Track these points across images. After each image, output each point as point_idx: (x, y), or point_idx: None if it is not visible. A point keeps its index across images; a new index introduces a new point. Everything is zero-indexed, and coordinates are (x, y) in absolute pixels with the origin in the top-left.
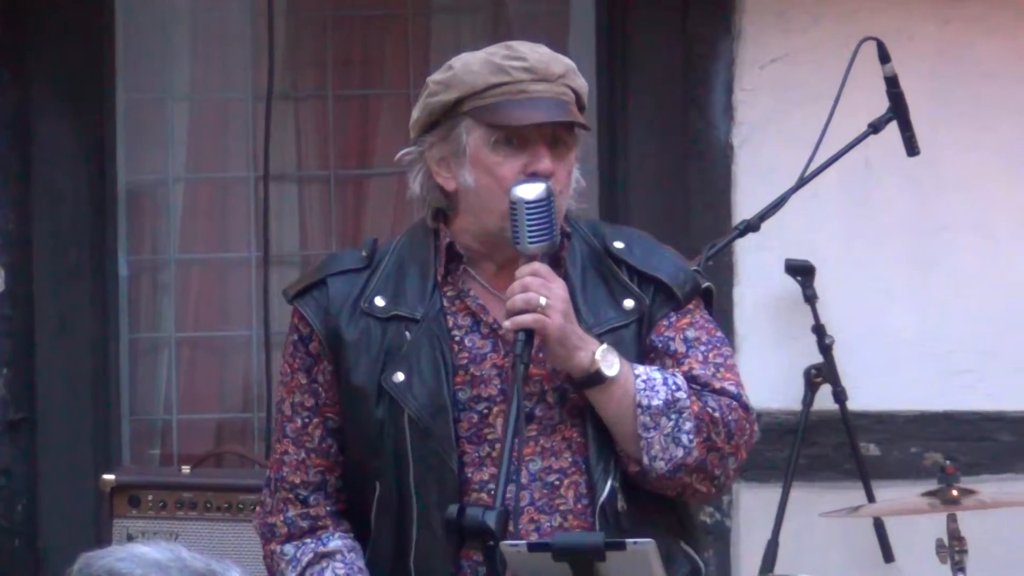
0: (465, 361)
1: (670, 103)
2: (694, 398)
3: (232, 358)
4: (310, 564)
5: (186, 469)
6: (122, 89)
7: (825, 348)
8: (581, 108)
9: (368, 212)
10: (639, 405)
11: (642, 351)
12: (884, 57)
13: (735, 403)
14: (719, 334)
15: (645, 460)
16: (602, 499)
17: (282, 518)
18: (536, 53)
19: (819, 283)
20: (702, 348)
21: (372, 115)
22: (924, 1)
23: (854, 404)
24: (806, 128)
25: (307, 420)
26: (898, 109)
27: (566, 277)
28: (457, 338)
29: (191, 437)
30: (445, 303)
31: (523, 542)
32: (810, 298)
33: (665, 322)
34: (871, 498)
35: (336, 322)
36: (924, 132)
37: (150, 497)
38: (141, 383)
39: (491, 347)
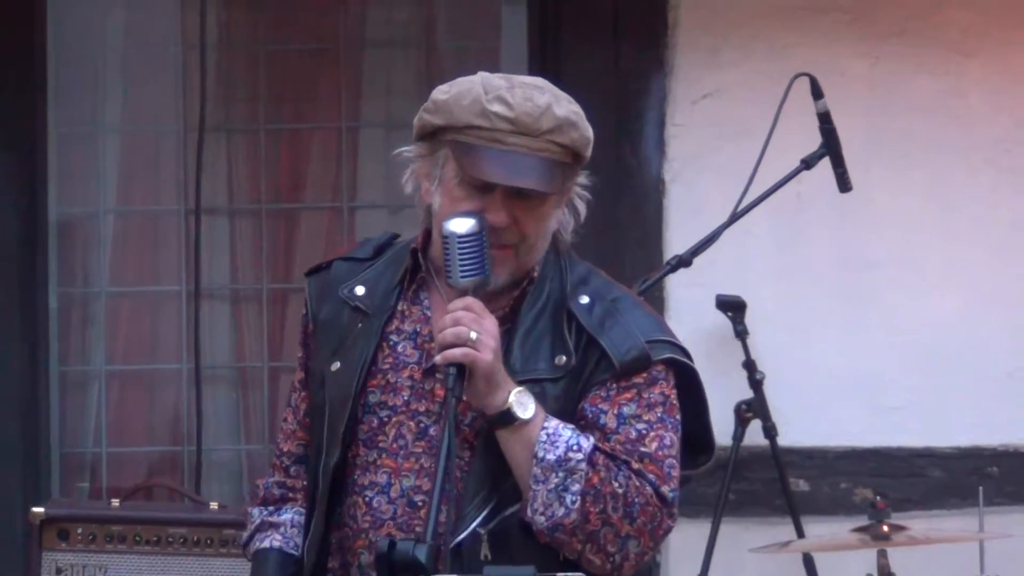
0: (387, 366)
1: (602, 138)
2: (599, 469)
3: (162, 391)
4: (258, 529)
5: (116, 502)
6: (53, 122)
7: (756, 384)
8: (578, 159)
9: (300, 245)
10: (535, 456)
11: (570, 411)
12: (817, 93)
13: (649, 489)
14: (663, 416)
15: (529, 512)
16: (459, 538)
17: (264, 482)
18: (528, 104)
19: (750, 319)
20: (637, 428)
21: (304, 148)
22: (855, 38)
23: (784, 440)
24: (738, 163)
25: (299, 392)
26: (830, 145)
27: (516, 320)
28: (392, 342)
29: (121, 470)
30: (402, 305)
31: None
32: (741, 334)
33: (603, 392)
34: (800, 534)
35: (323, 304)
36: (856, 169)
37: (79, 530)
38: (70, 416)
39: (416, 358)
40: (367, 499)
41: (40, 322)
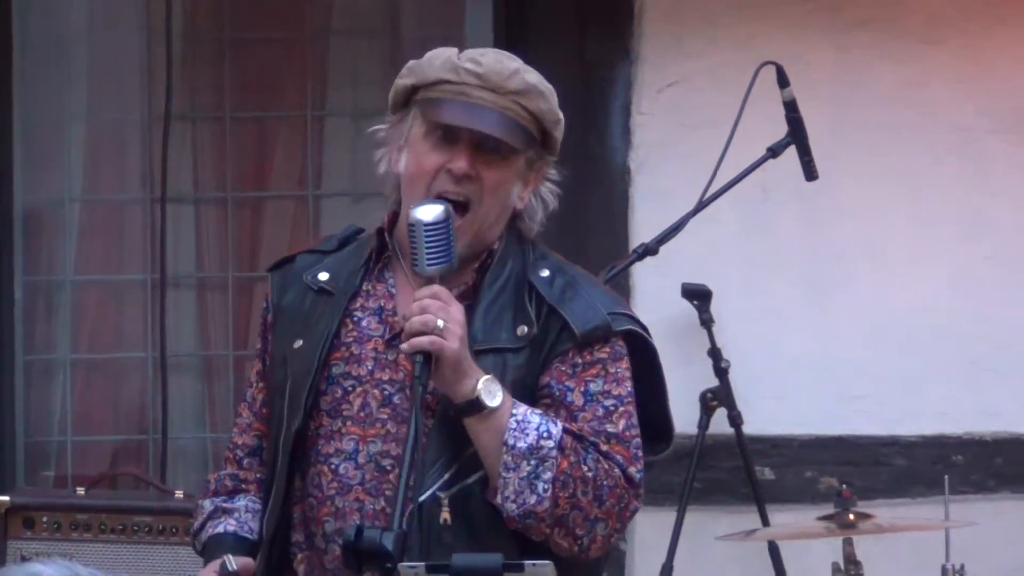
0: (351, 339)
1: (567, 127)
2: (568, 453)
3: (127, 380)
4: (211, 516)
5: (81, 491)
6: (19, 111)
7: (721, 372)
8: (544, 133)
9: (265, 233)
10: (505, 443)
11: (531, 382)
12: (783, 82)
13: (617, 471)
14: (631, 391)
15: (499, 498)
16: (421, 499)
17: (216, 475)
18: (498, 64)
19: (715, 307)
20: (605, 405)
21: (269, 137)
22: (821, 28)
23: (750, 428)
24: (703, 152)
25: (256, 385)
26: (797, 134)
27: (478, 294)
28: (356, 317)
29: (86, 459)
30: (367, 284)
31: (421, 564)
32: (706, 322)
33: (567, 367)
34: (766, 522)
35: (285, 295)
36: (821, 157)
37: (45, 519)
38: (36, 405)
39: (380, 332)
40: (332, 466)
41: (5, 311)
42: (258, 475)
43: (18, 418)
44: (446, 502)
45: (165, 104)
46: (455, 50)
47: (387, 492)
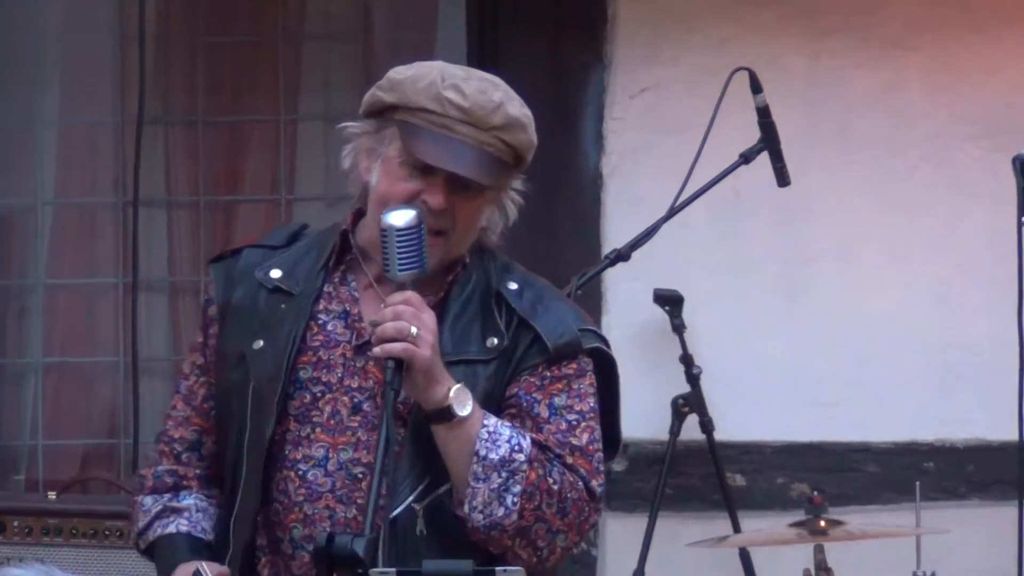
0: (318, 344)
1: (540, 131)
2: (536, 465)
3: (99, 384)
4: (158, 515)
5: (52, 495)
6: None
7: (692, 378)
8: (518, 161)
9: (238, 238)
10: (476, 454)
11: (499, 393)
12: (756, 87)
13: (581, 484)
14: (593, 407)
15: (466, 508)
16: (395, 513)
17: (153, 471)
18: (482, 97)
19: (687, 313)
20: (568, 419)
21: (242, 141)
22: (794, 34)
23: (721, 434)
24: (676, 158)
25: (197, 379)
26: (769, 140)
27: (445, 306)
28: (321, 321)
29: (57, 463)
30: (328, 287)
31: (392, 570)
32: (678, 328)
33: (535, 380)
34: (737, 528)
35: (233, 290)
36: (794, 164)
37: (16, 523)
38: (7, 408)
39: (348, 336)
40: (300, 472)
41: None
42: (198, 471)
43: None
44: (420, 513)
45: (138, 108)
46: (439, 70)
47: (359, 500)
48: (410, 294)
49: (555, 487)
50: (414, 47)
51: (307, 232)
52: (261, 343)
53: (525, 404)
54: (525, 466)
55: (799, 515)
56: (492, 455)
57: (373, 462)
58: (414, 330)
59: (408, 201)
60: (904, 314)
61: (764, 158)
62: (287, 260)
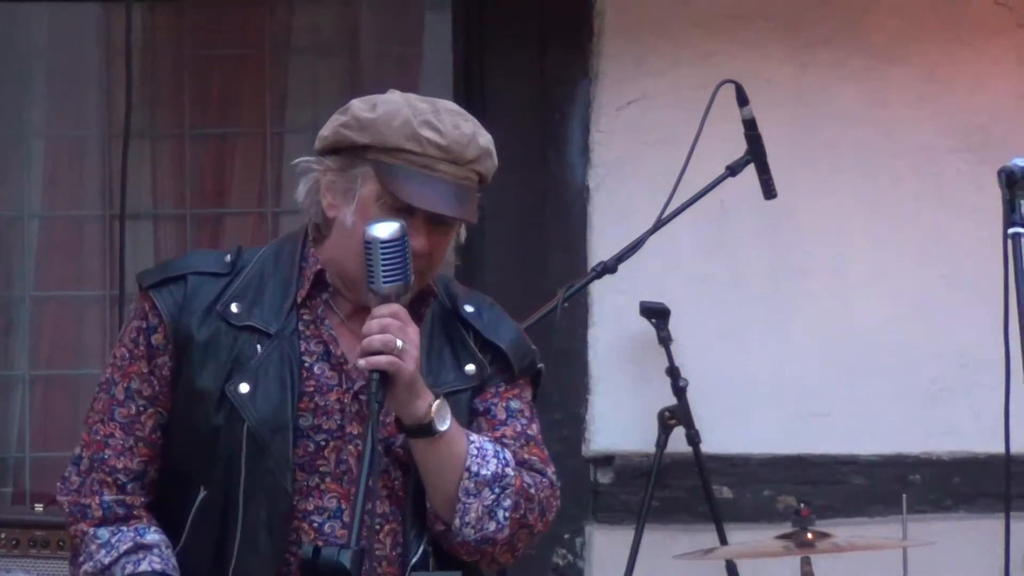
0: (311, 389)
1: (527, 144)
2: (518, 475)
3: (86, 396)
4: (127, 552)
5: (39, 507)
6: None
7: (679, 391)
8: (483, 182)
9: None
10: (467, 470)
11: (470, 416)
12: (742, 100)
13: (544, 479)
14: (535, 412)
15: (456, 523)
16: (413, 560)
17: (97, 500)
18: (457, 132)
19: (673, 326)
20: (521, 421)
21: (229, 154)
22: (781, 46)
23: (707, 447)
24: (662, 170)
25: (142, 408)
26: (756, 152)
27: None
28: (307, 364)
29: (44, 475)
30: (300, 326)
31: None
32: (664, 340)
33: (493, 389)
34: (724, 541)
35: (188, 321)
36: (780, 176)
37: (3, 535)
38: None
39: (338, 380)
40: (315, 524)
41: None
42: (143, 499)
43: None
44: (432, 554)
45: (125, 120)
46: (407, 106)
47: (378, 552)
48: (396, 307)
49: (532, 491)
50: (400, 60)
51: (246, 254)
52: (246, 387)
53: (482, 408)
54: (514, 480)
55: (786, 527)
56: (484, 471)
57: (388, 511)
58: (400, 343)
59: None
60: (890, 326)
61: (750, 170)
62: (243, 292)
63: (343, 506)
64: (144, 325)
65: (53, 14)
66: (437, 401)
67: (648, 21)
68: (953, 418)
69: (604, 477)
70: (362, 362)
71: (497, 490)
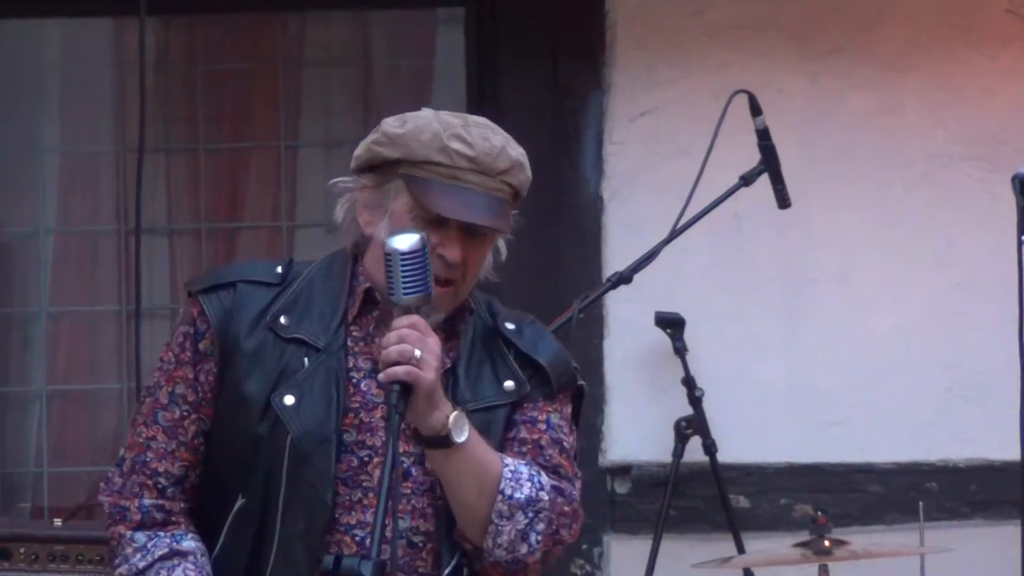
0: (357, 405)
1: (540, 156)
2: (553, 495)
3: (102, 410)
4: (163, 558)
5: (58, 522)
6: None
7: (695, 400)
8: (517, 198)
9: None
10: (501, 492)
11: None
12: (755, 110)
13: (574, 492)
14: (575, 432)
15: (488, 543)
16: (447, 570)
17: (137, 503)
18: (486, 144)
19: (689, 335)
20: (559, 433)
21: (242, 168)
22: (793, 55)
23: (724, 456)
24: (676, 181)
25: (186, 413)
26: (769, 162)
27: (458, 350)
28: (354, 380)
29: (62, 490)
30: (350, 342)
31: None
32: (680, 350)
33: (532, 405)
34: (741, 549)
35: (236, 329)
36: (794, 185)
37: (22, 550)
38: (11, 436)
39: (383, 398)
40: (357, 538)
41: None
42: (182, 505)
43: None
44: (466, 572)
45: (139, 136)
46: (436, 120)
47: (420, 569)
48: (416, 318)
49: (567, 508)
50: (412, 73)
51: (296, 267)
52: (292, 399)
53: (522, 419)
54: (548, 504)
55: (803, 536)
56: (518, 495)
57: (430, 530)
58: (418, 353)
59: None
60: (905, 334)
61: (764, 180)
62: (292, 304)
63: (385, 521)
64: (192, 331)
65: (66, 30)
66: (455, 412)
67: (660, 32)
68: (969, 425)
69: (621, 487)
70: (380, 375)
71: (531, 514)
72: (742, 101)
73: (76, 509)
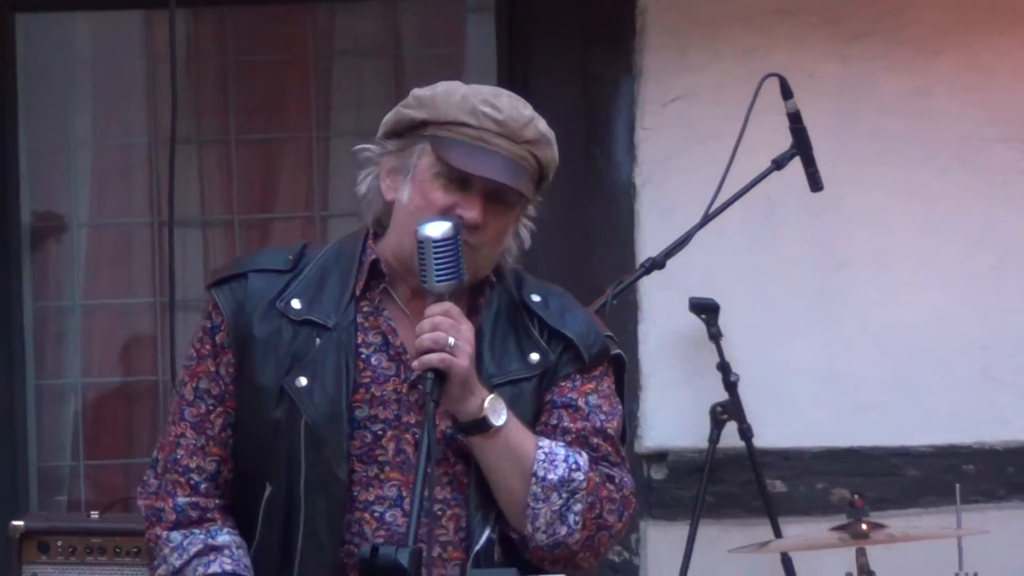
0: (368, 379)
1: (572, 142)
2: (592, 476)
3: (138, 403)
4: (198, 555)
5: (95, 514)
6: (25, 137)
7: (730, 385)
8: (543, 179)
9: None
10: (535, 475)
11: (539, 406)
12: (787, 93)
13: (626, 479)
14: (619, 407)
15: (528, 528)
16: (477, 547)
17: (171, 503)
18: (515, 111)
19: (723, 321)
20: (600, 417)
21: (275, 158)
22: (824, 38)
23: (760, 441)
24: (708, 165)
25: (211, 408)
26: (801, 145)
27: (480, 328)
28: (364, 355)
29: (98, 483)
30: (359, 318)
31: None
32: (715, 336)
33: (569, 384)
34: (778, 534)
35: (248, 318)
36: (826, 168)
37: (59, 543)
38: (47, 430)
39: (395, 370)
40: (376, 514)
41: (15, 337)
42: (217, 502)
43: (30, 443)
44: (497, 541)
45: (171, 128)
46: (466, 87)
47: (441, 538)
48: (448, 305)
49: (615, 494)
50: (443, 62)
51: (309, 252)
52: (304, 380)
53: (561, 402)
54: (585, 484)
55: (840, 519)
56: (551, 476)
57: (449, 497)
58: (451, 340)
59: (443, 213)
60: (940, 316)
61: (796, 164)
62: (304, 288)
63: (403, 494)
64: (209, 324)
65: (97, 24)
66: (491, 396)
67: (690, 17)
68: (1005, 408)
69: (658, 473)
70: (415, 363)
71: (565, 494)
72: (773, 85)
73: (113, 502)
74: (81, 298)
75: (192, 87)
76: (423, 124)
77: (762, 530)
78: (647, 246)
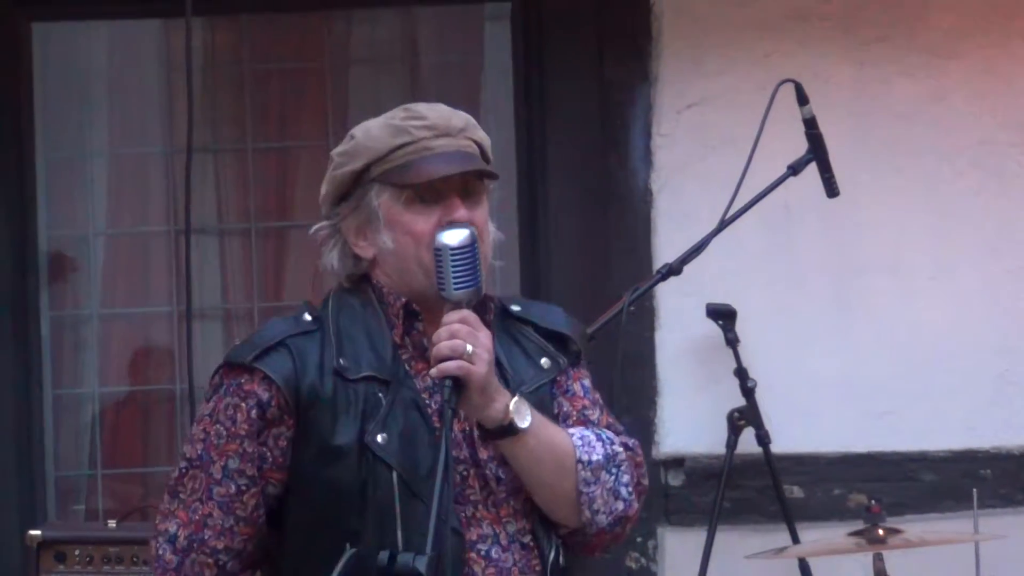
0: (437, 425)
1: (589, 149)
2: (623, 449)
3: (156, 412)
4: None
5: (113, 524)
6: (42, 147)
7: (747, 391)
8: (486, 160)
9: (289, 264)
10: (579, 461)
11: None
12: (802, 99)
13: (636, 442)
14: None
15: (587, 514)
16: (552, 557)
17: None
18: (435, 111)
19: (740, 327)
20: (593, 396)
21: (291, 167)
22: (839, 44)
23: (777, 447)
24: (724, 172)
25: (243, 488)
26: (817, 151)
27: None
28: (426, 400)
29: (116, 492)
30: (407, 367)
31: None
32: (732, 342)
33: (563, 376)
34: (796, 539)
35: (308, 382)
36: (842, 174)
37: (77, 552)
38: (65, 439)
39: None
40: (482, 552)
41: (33, 345)
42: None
43: (48, 453)
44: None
45: (187, 136)
46: (376, 119)
47: (536, 568)
48: (466, 313)
49: (637, 457)
50: (460, 70)
51: (320, 311)
52: (384, 435)
53: (559, 392)
54: (624, 453)
55: (857, 525)
56: (595, 456)
57: (534, 529)
58: (469, 348)
59: (432, 234)
60: (956, 321)
61: (812, 169)
62: (341, 346)
63: (496, 530)
64: (253, 403)
65: (113, 32)
66: (514, 399)
67: (705, 23)
68: (1022, 412)
69: (675, 479)
70: (433, 371)
71: (613, 470)
72: (789, 91)
73: (131, 511)
74: (98, 307)
75: (208, 96)
76: (365, 169)
77: (779, 536)
78: (664, 252)
